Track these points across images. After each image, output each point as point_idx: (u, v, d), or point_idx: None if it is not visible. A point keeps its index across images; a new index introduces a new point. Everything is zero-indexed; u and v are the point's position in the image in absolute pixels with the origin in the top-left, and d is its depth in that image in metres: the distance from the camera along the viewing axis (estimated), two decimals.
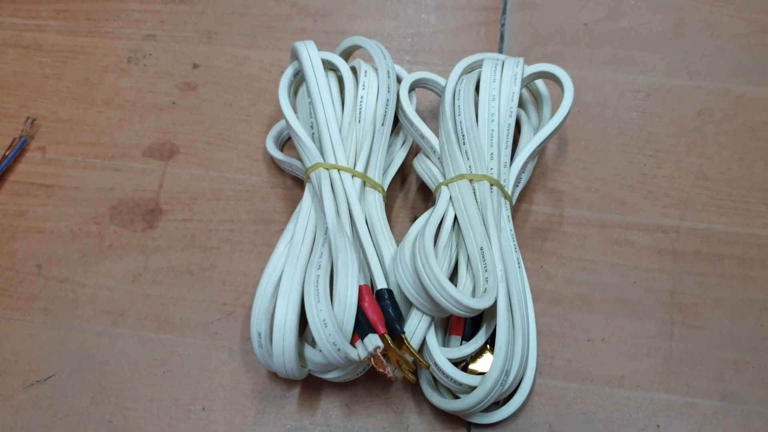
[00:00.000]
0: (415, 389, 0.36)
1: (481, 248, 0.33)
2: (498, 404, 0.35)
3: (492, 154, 0.36)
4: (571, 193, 0.40)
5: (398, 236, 0.39)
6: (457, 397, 0.34)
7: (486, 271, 0.33)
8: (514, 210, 0.40)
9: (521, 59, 0.38)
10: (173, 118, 0.44)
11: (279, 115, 0.42)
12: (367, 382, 0.36)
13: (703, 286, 0.38)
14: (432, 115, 0.43)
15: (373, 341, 0.31)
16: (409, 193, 0.41)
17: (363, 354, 0.31)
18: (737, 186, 0.40)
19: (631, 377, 0.36)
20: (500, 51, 0.45)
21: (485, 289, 0.32)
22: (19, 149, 0.42)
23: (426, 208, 0.40)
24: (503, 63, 0.37)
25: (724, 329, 0.37)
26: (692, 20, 0.46)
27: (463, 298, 0.31)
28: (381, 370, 0.31)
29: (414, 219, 0.40)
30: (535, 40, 0.45)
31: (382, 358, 0.31)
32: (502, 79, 0.37)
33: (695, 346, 0.36)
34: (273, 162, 0.42)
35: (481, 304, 0.31)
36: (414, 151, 0.41)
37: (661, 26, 0.45)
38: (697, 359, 0.36)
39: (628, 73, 0.44)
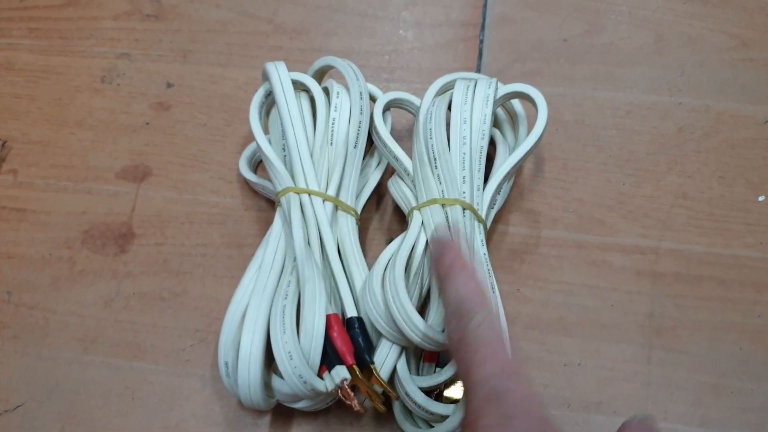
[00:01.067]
0: (388, 417, 0.35)
1: None
2: None
3: (464, 177, 0.35)
4: (548, 213, 0.40)
5: (372, 259, 0.38)
6: (431, 426, 0.33)
7: None
8: (490, 231, 0.39)
9: (494, 80, 0.37)
10: (147, 139, 0.43)
11: (253, 135, 0.42)
12: (338, 410, 0.35)
13: (682, 309, 0.37)
14: (409, 134, 0.43)
15: (340, 373, 0.30)
16: (384, 215, 0.41)
17: (330, 386, 0.30)
18: (717, 205, 0.40)
19: (609, 402, 0.35)
20: (478, 68, 0.45)
21: None
22: None
23: (401, 230, 0.39)
24: (476, 84, 0.37)
25: (703, 353, 0.36)
26: (673, 35, 0.45)
27: (432, 333, 0.30)
28: (348, 402, 0.30)
29: (389, 241, 0.39)
30: (514, 57, 0.45)
31: (349, 390, 0.30)
32: (474, 101, 0.36)
33: (674, 371, 0.36)
34: (247, 183, 0.41)
35: None
36: (390, 170, 0.41)
37: (641, 41, 0.45)
38: (676, 384, 0.36)
39: (608, 90, 0.43)
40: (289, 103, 0.36)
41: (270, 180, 0.39)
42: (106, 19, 0.47)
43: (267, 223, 0.40)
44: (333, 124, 0.37)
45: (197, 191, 0.41)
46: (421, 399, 0.32)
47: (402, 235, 0.35)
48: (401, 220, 0.40)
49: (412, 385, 0.32)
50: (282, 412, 0.35)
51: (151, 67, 0.45)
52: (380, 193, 0.41)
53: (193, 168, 0.42)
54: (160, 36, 0.47)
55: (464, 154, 0.36)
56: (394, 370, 0.32)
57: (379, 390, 0.31)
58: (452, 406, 0.32)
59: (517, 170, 0.40)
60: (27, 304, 0.39)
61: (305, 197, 0.35)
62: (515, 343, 0.36)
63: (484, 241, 0.35)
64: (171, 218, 0.41)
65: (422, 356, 0.35)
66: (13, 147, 0.43)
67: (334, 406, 0.35)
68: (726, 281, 0.38)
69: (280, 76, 0.37)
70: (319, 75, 0.40)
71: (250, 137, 0.43)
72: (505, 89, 0.37)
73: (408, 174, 0.37)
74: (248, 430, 0.35)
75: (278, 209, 0.36)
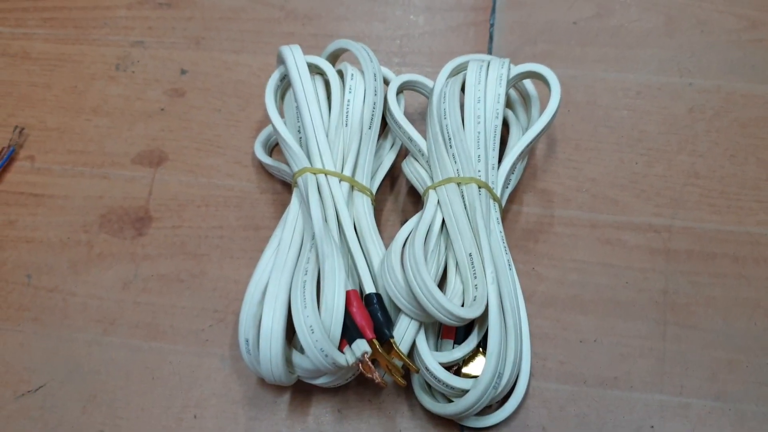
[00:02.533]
0: (407, 393, 0.36)
1: (470, 254, 0.33)
2: (491, 407, 0.35)
3: (479, 156, 0.35)
4: (561, 193, 0.40)
5: (388, 240, 0.39)
6: (450, 401, 0.33)
7: (475, 278, 0.32)
8: (505, 211, 0.40)
9: (507, 60, 0.38)
10: (162, 124, 0.43)
11: (268, 119, 0.42)
12: (358, 386, 0.36)
13: (696, 286, 0.37)
14: (421, 117, 0.43)
15: (360, 347, 0.31)
16: (399, 196, 0.41)
17: (351, 359, 0.31)
18: (729, 184, 0.40)
19: (625, 378, 0.36)
20: (489, 51, 0.45)
21: (474, 297, 0.32)
22: (8, 158, 0.42)
23: (416, 211, 0.40)
24: (488, 64, 0.37)
25: (718, 328, 0.36)
26: (682, 17, 0.45)
27: (453, 307, 0.31)
28: (369, 375, 0.30)
29: (404, 222, 0.40)
30: (525, 40, 0.45)
31: (370, 363, 0.30)
32: (488, 80, 0.37)
33: (688, 346, 0.36)
34: (262, 167, 0.42)
35: (471, 313, 0.31)
36: (403, 153, 0.41)
37: (650, 24, 0.45)
38: (691, 359, 0.36)
39: (619, 72, 0.44)
40: (305, 85, 0.37)
41: (285, 163, 0.39)
42: (120, 8, 0.48)
43: (282, 206, 0.40)
44: (348, 105, 0.37)
45: (213, 175, 0.42)
46: (442, 373, 0.32)
47: (418, 213, 0.36)
48: (415, 201, 0.41)
49: (432, 360, 0.32)
50: (301, 389, 0.36)
51: (165, 55, 0.46)
52: (394, 175, 0.41)
53: (208, 152, 0.42)
54: (174, 24, 0.47)
55: (479, 132, 0.36)
56: (413, 346, 0.33)
57: (399, 364, 0.32)
58: (472, 380, 0.32)
59: (530, 151, 0.41)
60: (46, 287, 0.39)
61: (322, 177, 0.35)
62: (532, 320, 0.37)
63: (500, 220, 0.36)
64: (187, 202, 0.41)
65: (440, 333, 0.35)
66: (30, 134, 0.44)
67: (353, 382, 0.35)
68: (739, 258, 0.38)
69: (296, 58, 0.37)
70: (333, 58, 0.41)
71: (265, 122, 0.43)
72: (517, 69, 0.38)
73: (422, 154, 0.37)
74: (268, 408, 0.36)
75: (295, 190, 0.36)
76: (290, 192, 0.41)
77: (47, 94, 0.45)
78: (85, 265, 0.40)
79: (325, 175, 0.35)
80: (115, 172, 0.42)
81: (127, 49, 0.46)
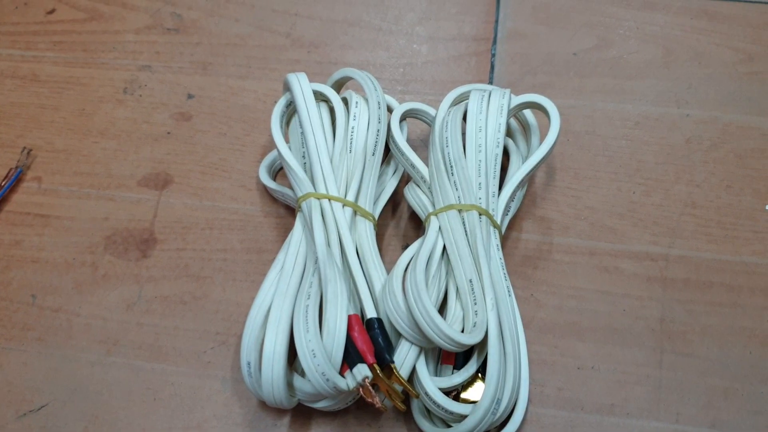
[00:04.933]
0: (407, 418, 0.36)
1: (470, 280, 0.34)
2: None
3: (480, 184, 0.36)
4: (560, 221, 0.41)
5: (389, 264, 0.39)
6: (449, 426, 0.34)
7: (475, 304, 0.33)
8: (504, 238, 0.40)
9: (508, 90, 0.38)
10: (168, 148, 0.44)
11: (272, 144, 0.43)
12: (357, 411, 0.36)
13: (692, 314, 0.38)
14: (424, 144, 0.44)
15: (361, 371, 0.31)
16: (400, 221, 0.42)
17: (352, 384, 0.31)
18: (726, 213, 0.41)
19: (621, 405, 0.36)
20: (491, 81, 0.46)
21: (474, 323, 0.33)
22: (16, 179, 0.43)
23: (417, 236, 0.40)
24: (490, 94, 0.38)
25: (713, 357, 0.37)
26: (680, 49, 0.46)
27: (453, 333, 0.31)
28: (370, 400, 0.31)
29: (406, 247, 0.40)
30: (525, 70, 0.46)
31: (370, 388, 0.31)
32: (489, 110, 0.37)
33: (684, 374, 0.37)
34: (266, 191, 0.42)
35: (471, 339, 0.32)
36: (405, 179, 0.42)
37: (649, 55, 0.46)
38: (687, 387, 0.36)
39: (617, 102, 0.45)
40: (311, 112, 0.38)
41: (289, 187, 0.40)
42: (128, 33, 0.49)
43: (286, 230, 0.41)
44: (352, 132, 0.38)
45: (217, 198, 0.42)
46: (441, 398, 0.32)
47: (420, 239, 0.36)
48: (416, 226, 0.41)
49: (431, 385, 0.33)
50: (301, 413, 0.36)
51: (172, 79, 0.47)
52: (396, 201, 0.42)
53: (213, 176, 0.43)
54: (181, 49, 0.48)
55: (480, 161, 0.37)
56: (413, 371, 0.33)
57: (399, 388, 0.32)
58: (470, 406, 0.33)
59: (529, 179, 0.42)
60: (51, 307, 0.40)
61: (325, 202, 0.36)
62: (530, 347, 0.37)
63: (500, 246, 0.36)
64: (192, 224, 0.42)
65: (439, 358, 0.35)
66: (38, 155, 0.44)
67: (353, 406, 0.35)
68: (735, 287, 0.39)
69: (302, 86, 0.38)
70: (338, 86, 0.41)
71: (269, 146, 0.44)
72: (518, 99, 0.39)
73: (424, 181, 0.38)
74: (268, 431, 0.36)
75: (299, 214, 0.37)
76: (293, 216, 0.41)
77: (55, 116, 0.46)
78: (90, 286, 0.40)
79: (329, 200, 0.36)
80: (121, 194, 0.43)
81: (134, 73, 0.47)
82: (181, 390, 0.37)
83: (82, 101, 0.46)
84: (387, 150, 0.40)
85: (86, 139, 0.45)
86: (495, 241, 0.36)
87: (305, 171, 0.38)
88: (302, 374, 0.33)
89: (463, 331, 0.33)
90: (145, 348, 0.38)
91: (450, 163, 0.37)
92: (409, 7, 0.49)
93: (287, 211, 0.42)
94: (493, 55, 0.47)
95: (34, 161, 0.44)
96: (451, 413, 0.33)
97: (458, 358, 0.35)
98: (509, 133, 0.41)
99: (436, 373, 0.35)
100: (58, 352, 0.38)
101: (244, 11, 0.49)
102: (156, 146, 0.44)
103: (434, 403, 0.33)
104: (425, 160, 0.39)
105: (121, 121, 0.45)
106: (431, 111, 0.41)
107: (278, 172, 0.43)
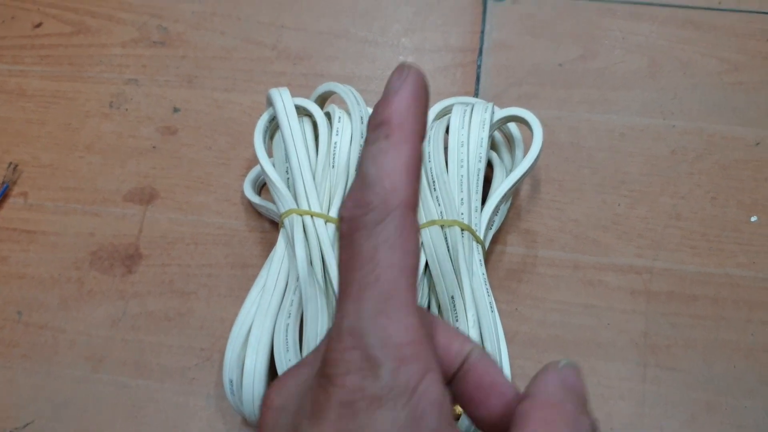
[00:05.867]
0: None
1: (452, 297, 0.34)
2: None
3: (462, 199, 0.36)
4: (544, 234, 0.41)
5: None
6: None
7: (457, 321, 0.33)
8: (488, 251, 0.40)
9: (490, 104, 0.38)
10: (153, 162, 0.44)
11: (257, 158, 0.43)
12: None
13: (677, 327, 0.38)
14: None
15: None
16: None
17: None
18: (710, 225, 0.41)
19: (605, 420, 0.36)
20: (476, 92, 0.46)
21: None
22: (2, 195, 0.43)
23: None
24: (472, 108, 0.38)
25: (697, 370, 0.37)
26: (665, 59, 0.46)
27: None
28: None
29: None
30: (511, 81, 0.46)
31: None
32: (471, 125, 0.37)
33: (668, 388, 0.37)
34: (251, 205, 0.42)
35: None
36: None
37: (634, 66, 0.46)
38: (671, 401, 0.36)
39: (603, 113, 0.45)
40: (293, 128, 0.38)
41: (273, 202, 0.40)
42: (114, 46, 0.49)
43: (270, 244, 0.41)
44: (335, 147, 0.38)
45: (202, 213, 0.42)
46: None
47: None
48: None
49: None
50: None
51: (158, 92, 0.47)
52: None
53: (198, 190, 0.43)
54: (167, 62, 0.48)
55: (462, 176, 0.37)
56: None
57: None
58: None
59: (514, 192, 0.42)
60: (36, 324, 0.40)
61: (308, 219, 0.36)
62: (514, 361, 0.37)
63: (483, 262, 0.36)
64: (177, 239, 0.42)
65: None
66: (24, 170, 0.44)
67: None
68: (719, 300, 0.39)
69: (284, 101, 0.38)
70: (321, 100, 0.41)
71: (255, 160, 0.44)
72: (501, 113, 0.39)
73: None
74: None
75: (282, 230, 0.37)
76: (278, 231, 0.41)
77: (41, 131, 0.46)
78: (76, 302, 0.40)
79: (311, 216, 0.36)
80: (106, 210, 0.43)
81: (121, 87, 0.47)
82: (165, 407, 0.37)
83: (68, 115, 0.46)
84: None
85: (72, 153, 0.45)
86: (478, 256, 0.36)
87: (288, 187, 0.38)
88: None
89: None
90: (129, 364, 0.38)
91: (432, 179, 0.37)
92: (394, 19, 0.49)
93: (272, 225, 0.42)
94: (479, 67, 0.47)
95: (20, 176, 0.44)
96: None
97: None
98: (494, 146, 0.41)
99: None
100: (44, 368, 0.38)
101: (230, 24, 0.49)
102: (141, 160, 0.44)
103: None
104: None
105: (107, 135, 0.45)
106: None
107: (263, 186, 0.43)
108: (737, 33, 0.47)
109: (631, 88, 0.45)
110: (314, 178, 0.37)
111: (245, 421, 0.36)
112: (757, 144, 0.43)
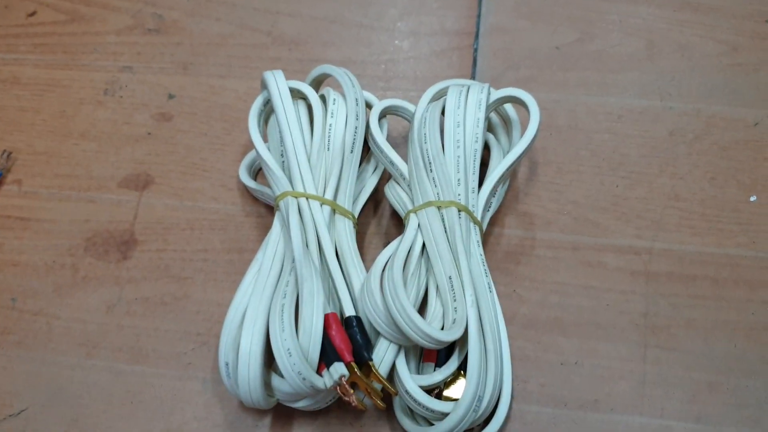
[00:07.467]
0: (389, 416, 0.36)
1: (450, 277, 0.33)
2: (473, 430, 0.35)
3: (459, 180, 0.36)
4: (543, 216, 0.41)
5: (371, 263, 0.39)
6: (431, 424, 0.33)
7: (455, 300, 0.33)
8: (487, 234, 0.40)
9: (486, 85, 0.38)
10: (148, 148, 0.44)
11: (251, 141, 0.43)
12: (339, 410, 0.36)
13: (676, 308, 0.38)
14: (404, 142, 0.44)
15: (338, 370, 0.31)
16: (382, 219, 0.41)
17: (329, 383, 0.31)
18: (709, 206, 0.40)
19: (605, 401, 0.36)
20: (473, 75, 0.46)
21: (454, 319, 0.32)
22: None
23: (399, 234, 0.40)
24: (468, 90, 0.38)
25: (698, 350, 0.37)
26: (663, 42, 0.46)
27: (431, 330, 0.31)
28: (347, 398, 0.30)
29: (387, 245, 0.40)
30: (508, 65, 0.46)
31: (347, 386, 0.30)
32: (467, 105, 0.37)
33: (669, 368, 0.36)
34: (247, 190, 0.42)
35: (449, 336, 0.31)
36: (386, 177, 0.41)
37: (632, 48, 0.46)
38: (671, 381, 0.36)
39: (600, 96, 0.44)
40: (287, 110, 0.37)
41: (269, 186, 0.40)
42: (109, 34, 0.48)
43: (267, 229, 0.41)
44: (330, 129, 0.38)
45: (198, 198, 0.42)
46: (421, 396, 0.32)
47: (399, 237, 0.36)
48: (398, 224, 0.41)
49: (411, 383, 0.32)
50: (282, 413, 0.36)
51: (152, 80, 0.46)
52: (377, 199, 0.42)
53: (194, 176, 0.43)
54: (162, 49, 0.48)
55: (458, 157, 0.36)
56: (393, 369, 0.33)
57: (378, 387, 0.32)
58: (452, 403, 0.32)
59: (512, 174, 0.41)
60: (31, 311, 0.39)
61: (303, 201, 0.36)
62: (513, 342, 0.37)
63: (480, 242, 0.36)
64: (172, 225, 0.41)
65: (421, 356, 0.35)
66: (18, 158, 0.44)
67: (335, 405, 0.35)
68: (719, 280, 0.38)
69: (278, 84, 0.38)
70: (317, 83, 0.41)
71: (250, 146, 0.44)
72: (497, 94, 0.38)
73: (404, 178, 0.38)
74: None
75: (277, 213, 0.37)
76: (274, 215, 0.41)
77: (36, 119, 0.45)
78: (70, 289, 0.40)
79: (307, 198, 0.36)
80: (101, 196, 0.42)
81: (115, 74, 0.47)
82: (161, 392, 0.37)
83: (62, 103, 0.46)
84: (367, 147, 0.40)
85: (67, 141, 0.45)
86: (475, 237, 0.36)
87: (283, 169, 0.37)
88: (280, 374, 0.33)
89: (443, 328, 0.33)
90: (125, 350, 0.38)
91: (428, 160, 0.36)
92: (390, 3, 0.49)
93: (268, 210, 0.42)
94: (476, 50, 0.46)
95: (15, 164, 0.44)
96: (432, 411, 0.32)
97: (440, 355, 0.34)
98: (490, 127, 0.41)
99: (418, 371, 0.35)
100: (38, 355, 0.38)
101: (226, 10, 0.49)
102: (137, 147, 0.44)
103: (415, 401, 0.32)
104: (405, 158, 0.39)
105: (101, 122, 0.45)
106: (411, 107, 0.40)
107: (258, 171, 0.43)
108: (735, 15, 0.46)
109: (629, 71, 0.45)
110: (309, 160, 0.37)
111: (242, 405, 0.36)
112: (756, 124, 0.43)
